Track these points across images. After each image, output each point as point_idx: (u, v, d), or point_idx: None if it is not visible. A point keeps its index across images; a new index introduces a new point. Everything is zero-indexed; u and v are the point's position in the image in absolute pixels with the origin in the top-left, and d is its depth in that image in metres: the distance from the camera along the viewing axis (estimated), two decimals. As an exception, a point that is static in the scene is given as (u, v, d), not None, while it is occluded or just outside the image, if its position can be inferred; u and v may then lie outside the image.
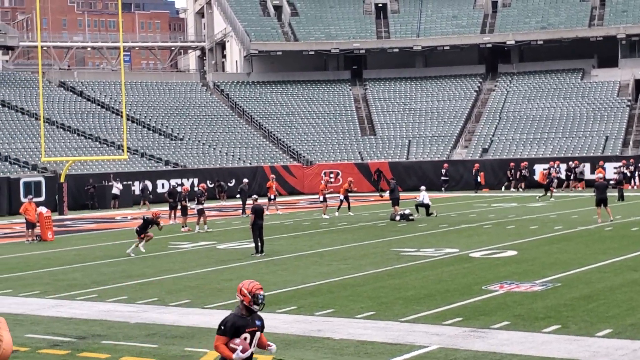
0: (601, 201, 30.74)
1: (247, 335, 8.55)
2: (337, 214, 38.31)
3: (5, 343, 8.36)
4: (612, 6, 69.99)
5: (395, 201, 35.62)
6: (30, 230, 31.47)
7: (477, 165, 53.64)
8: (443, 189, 53.71)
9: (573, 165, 52.65)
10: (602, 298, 15.94)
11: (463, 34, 71.24)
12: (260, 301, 8.61)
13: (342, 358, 12.37)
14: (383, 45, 71.67)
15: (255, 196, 27.69)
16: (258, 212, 24.63)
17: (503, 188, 53.05)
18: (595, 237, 26.29)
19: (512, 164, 53.54)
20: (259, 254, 24.25)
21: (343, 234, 30.08)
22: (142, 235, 26.10)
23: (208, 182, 53.58)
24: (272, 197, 41.21)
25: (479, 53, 73.20)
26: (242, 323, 8.56)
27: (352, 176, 56.34)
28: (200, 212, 33.02)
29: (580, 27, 68.40)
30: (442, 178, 54.47)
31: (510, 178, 53.17)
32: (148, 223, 26.27)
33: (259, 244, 24.48)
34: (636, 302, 15.48)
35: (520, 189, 52.45)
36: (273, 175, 43.95)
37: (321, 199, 39.33)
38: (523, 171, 52.85)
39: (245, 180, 42.94)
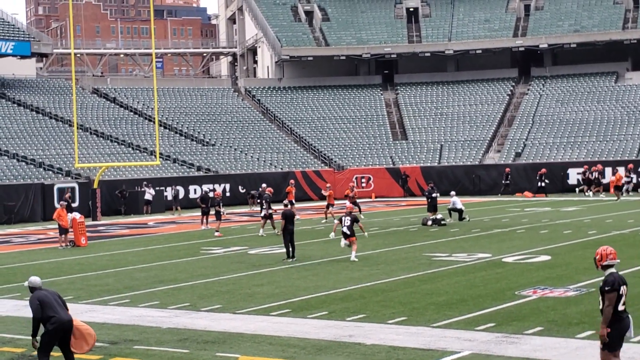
0: None
1: None
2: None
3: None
4: (646, 8, 69.35)
5: (431, 207, 35.21)
6: (63, 235, 31.72)
7: (544, 169, 52.12)
8: (500, 194, 52.85)
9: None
10: (637, 303, 15.71)
11: (495, 37, 70.88)
12: None
13: (374, 364, 12.31)
14: (414, 50, 71.51)
15: (286, 201, 27.66)
16: (288, 217, 24.64)
17: (577, 190, 50.88)
18: (629, 242, 25.99)
19: (585, 166, 51.37)
20: (290, 259, 24.26)
21: (374, 239, 30.00)
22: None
23: (240, 187, 53.80)
24: (292, 201, 40.57)
25: (511, 56, 72.81)
26: None
27: (384, 181, 56.51)
28: (269, 217, 32.99)
29: (613, 30, 67.80)
30: (504, 182, 53.49)
31: (583, 182, 50.78)
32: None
33: (290, 249, 24.49)
34: (672, 307, 15.25)
35: (600, 193, 49.54)
36: (292, 180, 43.90)
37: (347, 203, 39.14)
38: (596, 174, 50.57)
39: (264, 185, 42.96)
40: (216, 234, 33.60)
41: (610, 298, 10.13)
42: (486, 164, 57.92)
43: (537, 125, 62.71)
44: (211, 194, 38.37)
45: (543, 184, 51.19)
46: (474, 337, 13.50)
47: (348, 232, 23.90)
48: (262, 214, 33.52)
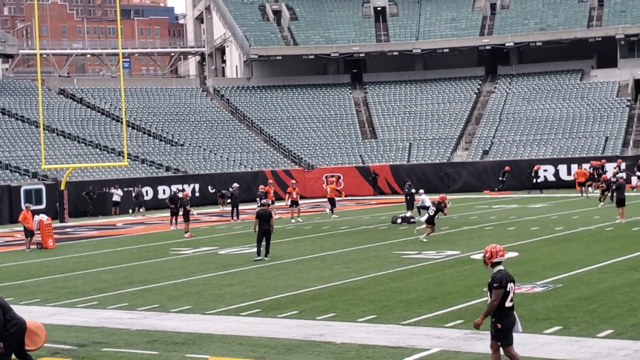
0: (623, 201, 30.92)
1: None
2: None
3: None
4: (611, 7, 70.01)
5: (410, 205, 35.79)
6: (29, 238, 31.49)
7: (538, 166, 52.21)
8: (497, 189, 52.61)
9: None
10: (603, 299, 15.92)
11: (462, 36, 71.26)
12: None
13: (343, 362, 12.35)
14: (382, 49, 71.73)
15: (264, 201, 27.65)
16: (261, 216, 24.63)
17: (590, 189, 48.45)
18: (596, 238, 26.26)
19: (592, 162, 50.07)
20: (260, 258, 24.23)
21: (344, 237, 30.06)
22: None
23: (209, 187, 53.68)
24: (292, 202, 40.31)
25: (478, 55, 73.24)
26: None
27: (354, 180, 56.65)
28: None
29: (578, 28, 68.41)
30: (500, 179, 53.32)
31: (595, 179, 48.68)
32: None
33: (262, 248, 24.45)
34: (637, 302, 15.45)
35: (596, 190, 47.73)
36: (294, 181, 43.65)
37: (289, 202, 39.29)
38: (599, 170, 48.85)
39: (236, 184, 42.83)
40: (186, 234, 33.48)
41: (497, 294, 10.50)
42: (454, 162, 58.23)
43: (504, 123, 63.14)
44: (180, 194, 38.18)
45: (538, 181, 51.23)
46: (443, 334, 13.58)
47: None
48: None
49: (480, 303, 16.06)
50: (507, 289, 10.52)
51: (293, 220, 38.01)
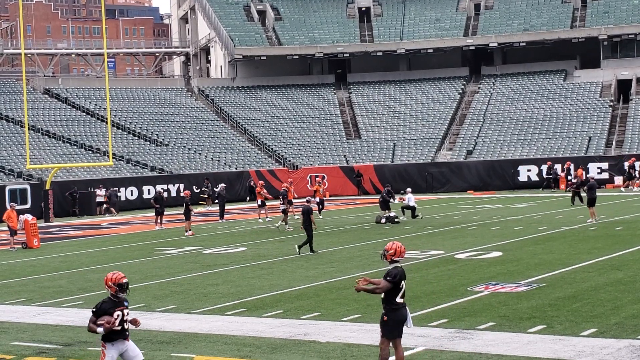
0: (594, 201, 31.28)
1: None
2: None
3: None
4: (594, 7, 70.38)
5: (384, 204, 35.54)
6: (13, 237, 31.42)
7: (568, 163, 52.16)
8: (542, 189, 52.29)
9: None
10: (587, 298, 16.04)
11: (446, 36, 71.47)
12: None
13: (329, 361, 12.41)
14: (367, 49, 71.85)
15: (308, 197, 28.52)
16: (305, 213, 25.54)
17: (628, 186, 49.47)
18: (579, 237, 26.42)
19: (632, 159, 50.59)
20: (311, 253, 24.96)
21: (329, 237, 30.12)
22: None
23: (195, 187, 53.60)
24: (319, 199, 40.69)
25: (462, 55, 73.47)
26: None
27: (338, 179, 56.72)
28: (284, 212, 34.25)
29: (562, 29, 68.75)
30: (546, 176, 52.94)
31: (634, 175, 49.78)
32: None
33: (302, 244, 25.26)
34: (620, 301, 15.58)
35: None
36: (319, 179, 43.87)
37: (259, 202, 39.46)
38: (638, 168, 49.98)
39: (223, 185, 42.80)
40: (187, 233, 33.46)
41: (386, 286, 10.83)
42: (438, 162, 58.41)
43: (488, 123, 63.37)
44: (165, 194, 38.18)
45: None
46: (428, 333, 13.65)
47: None
48: (281, 209, 34.84)
49: (465, 302, 16.18)
50: (400, 286, 10.87)
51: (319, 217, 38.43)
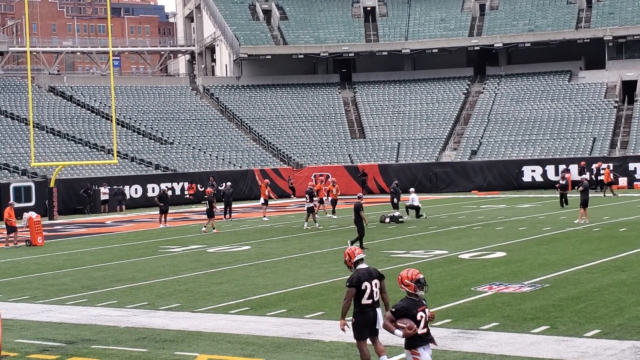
0: (587, 202, 31.32)
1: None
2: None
3: None
4: (599, 8, 70.28)
5: (394, 205, 36.08)
6: (12, 234, 31.48)
7: (599, 163, 51.79)
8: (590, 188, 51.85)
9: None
10: (590, 299, 16.02)
11: (451, 37, 71.42)
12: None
13: (332, 360, 12.41)
14: (372, 49, 71.83)
15: (359, 194, 28.68)
16: (356, 208, 25.79)
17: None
18: (583, 238, 26.39)
19: (599, 163, 50.75)
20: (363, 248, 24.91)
21: (333, 236, 30.12)
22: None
23: (199, 185, 53.67)
24: (331, 199, 40.97)
25: (467, 56, 73.42)
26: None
27: (342, 179, 56.64)
28: (311, 210, 34.19)
29: (567, 30, 68.67)
30: (584, 177, 52.69)
31: None
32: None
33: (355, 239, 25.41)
34: (624, 302, 15.55)
35: None
36: (334, 179, 44.08)
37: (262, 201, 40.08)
38: None
39: (229, 183, 42.82)
40: (213, 230, 33.47)
41: (347, 293, 10.85)
42: (443, 162, 58.39)
43: (492, 123, 63.32)
44: (169, 193, 38.24)
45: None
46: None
47: None
48: (306, 207, 34.70)
49: (468, 302, 16.17)
50: (362, 288, 10.82)
51: (328, 215, 38.91)
